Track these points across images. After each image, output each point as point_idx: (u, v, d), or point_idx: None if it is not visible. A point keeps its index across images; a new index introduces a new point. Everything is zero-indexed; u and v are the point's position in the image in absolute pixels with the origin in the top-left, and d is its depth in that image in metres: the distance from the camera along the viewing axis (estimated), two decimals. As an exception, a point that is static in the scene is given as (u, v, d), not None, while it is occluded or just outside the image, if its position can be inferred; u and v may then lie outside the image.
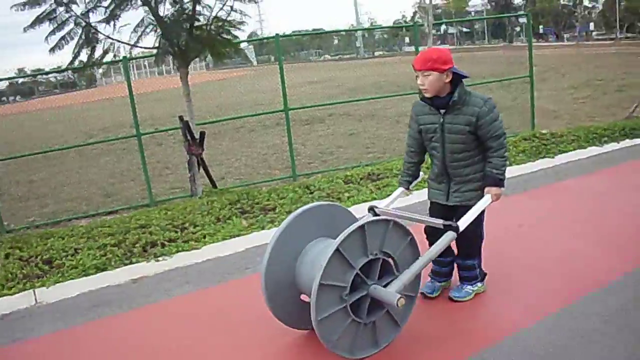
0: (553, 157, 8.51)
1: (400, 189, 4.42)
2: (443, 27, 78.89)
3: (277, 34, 10.40)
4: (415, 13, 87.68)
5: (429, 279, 4.44)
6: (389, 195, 5.28)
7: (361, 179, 7.80)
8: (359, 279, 3.54)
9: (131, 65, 19.70)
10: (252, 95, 22.49)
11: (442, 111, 3.98)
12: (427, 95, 3.94)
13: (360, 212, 6.33)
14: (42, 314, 4.85)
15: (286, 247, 3.77)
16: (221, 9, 7.96)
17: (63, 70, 11.68)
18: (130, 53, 8.21)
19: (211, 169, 12.42)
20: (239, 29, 8.36)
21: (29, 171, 14.78)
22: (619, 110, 13.40)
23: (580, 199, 6.50)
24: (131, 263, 5.72)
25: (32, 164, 15.57)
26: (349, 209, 6.42)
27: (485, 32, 70.31)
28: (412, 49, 11.19)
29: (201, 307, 4.65)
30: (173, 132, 16.44)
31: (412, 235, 3.77)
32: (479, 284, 4.34)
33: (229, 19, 8.10)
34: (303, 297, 3.89)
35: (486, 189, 3.98)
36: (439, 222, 3.86)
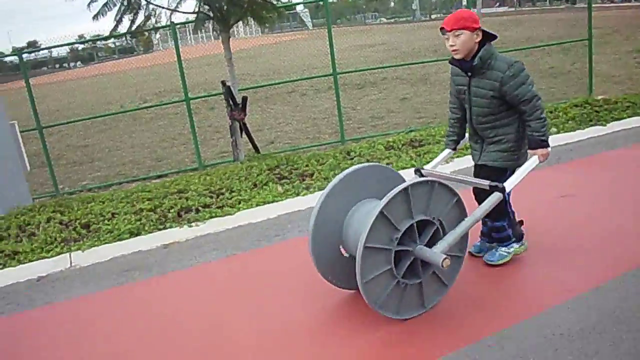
0: (604, 125, 8.04)
1: (447, 150, 4.39)
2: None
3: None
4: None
5: (479, 239, 4.44)
6: (429, 162, 5.26)
7: (403, 145, 7.61)
8: (404, 240, 3.54)
9: (187, 30, 19.86)
10: (306, 60, 22.35)
11: (469, 74, 3.92)
12: (457, 56, 3.85)
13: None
14: (74, 278, 4.92)
15: (333, 207, 3.78)
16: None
17: (107, 37, 11.75)
18: (171, 18, 8.16)
19: (262, 133, 12.52)
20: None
21: (85, 136, 15.12)
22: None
23: (631, 170, 6.15)
24: (165, 228, 5.75)
25: (87, 129, 15.94)
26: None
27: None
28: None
29: (226, 274, 4.64)
30: (207, 100, 16.58)
31: (459, 197, 3.74)
32: (515, 245, 4.28)
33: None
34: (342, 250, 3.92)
35: (532, 152, 3.91)
36: (485, 182, 3.84)
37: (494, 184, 3.77)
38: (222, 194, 6.47)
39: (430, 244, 3.59)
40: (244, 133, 8.49)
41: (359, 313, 3.74)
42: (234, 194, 6.42)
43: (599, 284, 3.80)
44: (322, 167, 6.95)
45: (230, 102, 8.18)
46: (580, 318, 3.43)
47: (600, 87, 13.35)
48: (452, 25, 3.75)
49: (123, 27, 7.90)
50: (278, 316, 3.87)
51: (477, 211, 3.74)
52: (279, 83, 13.09)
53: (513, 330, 3.39)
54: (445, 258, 3.37)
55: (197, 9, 7.94)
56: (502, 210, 4.12)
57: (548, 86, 13.36)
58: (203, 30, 8.87)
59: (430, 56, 18.67)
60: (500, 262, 4.22)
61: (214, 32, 8.60)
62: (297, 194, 6.21)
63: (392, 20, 48.21)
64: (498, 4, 72.47)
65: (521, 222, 4.33)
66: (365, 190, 3.88)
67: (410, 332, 3.51)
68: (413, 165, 6.60)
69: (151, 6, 7.78)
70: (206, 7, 7.88)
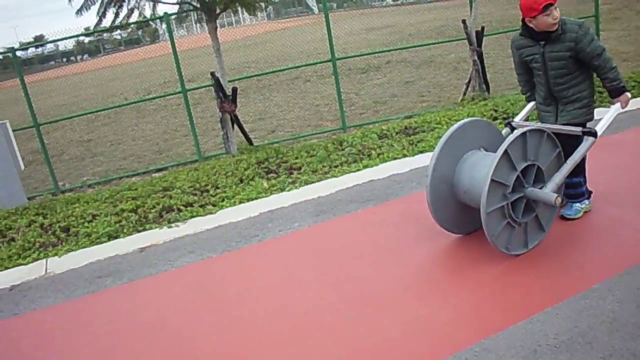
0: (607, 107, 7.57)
1: (531, 104, 4.66)
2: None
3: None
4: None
5: None
6: (421, 152, 5.76)
7: (397, 133, 7.24)
8: (518, 181, 3.87)
9: (192, 18, 19.57)
10: (311, 45, 21.98)
11: (542, 42, 4.18)
12: (555, 28, 4.08)
13: (388, 170, 5.95)
14: (47, 286, 4.66)
15: (448, 155, 4.11)
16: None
17: (91, 33, 11.48)
18: (154, 10, 7.84)
19: (263, 122, 12.23)
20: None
21: (88, 130, 14.90)
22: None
23: (625, 156, 5.74)
24: (144, 230, 5.47)
25: (92, 122, 15.73)
26: (377, 167, 6.07)
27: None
28: None
29: (197, 279, 4.35)
30: (209, 89, 16.28)
31: (560, 150, 4.09)
32: (587, 202, 4.53)
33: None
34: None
35: (615, 100, 4.18)
36: (577, 129, 4.14)
37: (587, 129, 4.09)
38: (207, 190, 6.18)
39: (537, 187, 3.94)
40: (235, 125, 8.19)
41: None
42: (218, 190, 6.13)
43: (592, 284, 3.48)
44: (311, 159, 6.62)
45: (220, 94, 7.87)
46: (569, 325, 3.10)
47: (610, 64, 12.90)
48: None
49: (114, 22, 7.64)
50: (240, 325, 3.59)
51: (575, 154, 4.05)
52: (271, 72, 12.73)
53: (494, 340, 3.07)
54: (557, 197, 3.77)
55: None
56: (583, 166, 4.42)
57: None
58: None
59: (437, 38, 18.23)
60: (577, 216, 4.46)
61: (198, 23, 8.23)
62: (282, 190, 5.89)
63: (399, 2, 47.44)
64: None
65: None
66: (470, 143, 4.21)
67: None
68: (405, 156, 6.29)
69: (133, -1, 7.48)
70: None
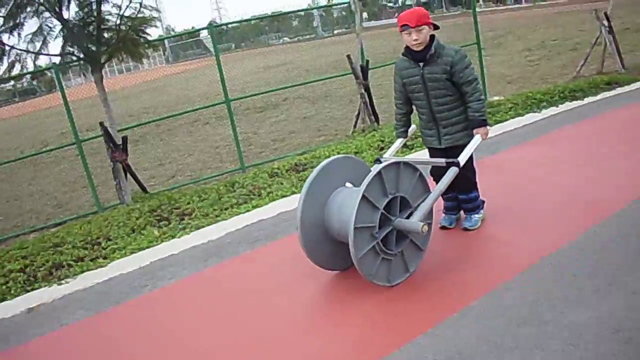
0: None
1: (400, 139, 4.91)
2: (401, -1, 77.92)
3: (210, 24, 10.00)
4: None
5: (443, 215, 4.94)
6: None
7: (287, 170, 7.37)
8: (383, 217, 3.97)
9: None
10: (211, 86, 21.96)
11: (421, 64, 4.40)
12: (419, 48, 4.33)
13: (276, 209, 6.05)
14: None
15: (314, 199, 4.17)
16: (127, 7, 7.50)
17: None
18: (34, 62, 7.68)
19: (163, 168, 12.08)
20: (152, 25, 7.91)
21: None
22: (572, 69, 12.96)
23: (504, 175, 6.11)
24: (33, 289, 5.29)
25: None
26: (266, 206, 6.15)
27: (443, 0, 69.14)
28: (371, 24, 10.71)
29: (85, 337, 4.26)
30: (128, 131, 16.02)
31: (420, 171, 4.21)
32: (482, 211, 4.88)
33: (138, 16, 7.65)
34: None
35: (474, 131, 4.41)
36: (441, 160, 4.37)
37: (450, 160, 4.27)
38: (99, 243, 6.06)
39: (403, 215, 4.07)
40: (129, 174, 8.10)
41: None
42: (110, 242, 6.03)
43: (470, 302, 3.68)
44: (203, 203, 6.63)
45: (110, 143, 7.78)
46: (448, 345, 3.25)
47: (495, 87, 13.57)
48: (416, 21, 4.23)
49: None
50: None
51: (440, 184, 4.22)
52: (168, 117, 12.63)
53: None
54: (424, 225, 3.88)
55: (63, 51, 7.50)
56: (474, 183, 4.74)
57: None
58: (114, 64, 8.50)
59: (332, 72, 18.62)
60: (477, 226, 4.79)
61: (82, 74, 8.16)
62: (173, 236, 5.86)
63: (295, 40, 48.21)
64: (397, 13, 73.67)
65: None
66: (339, 179, 4.30)
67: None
68: (294, 192, 6.40)
69: (14, 51, 7.31)
70: (72, 48, 7.48)
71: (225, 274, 4.83)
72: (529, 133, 7.56)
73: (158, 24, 8.11)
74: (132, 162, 12.99)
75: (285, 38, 52.57)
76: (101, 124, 7.88)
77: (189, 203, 6.75)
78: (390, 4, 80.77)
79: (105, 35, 7.57)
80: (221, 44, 54.68)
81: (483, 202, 4.91)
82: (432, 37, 4.37)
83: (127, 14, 7.64)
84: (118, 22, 7.53)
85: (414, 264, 4.21)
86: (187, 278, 4.85)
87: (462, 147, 4.42)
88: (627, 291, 3.44)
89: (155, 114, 18.47)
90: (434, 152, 4.78)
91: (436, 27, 4.39)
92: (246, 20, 14.57)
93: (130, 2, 7.45)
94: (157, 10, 7.84)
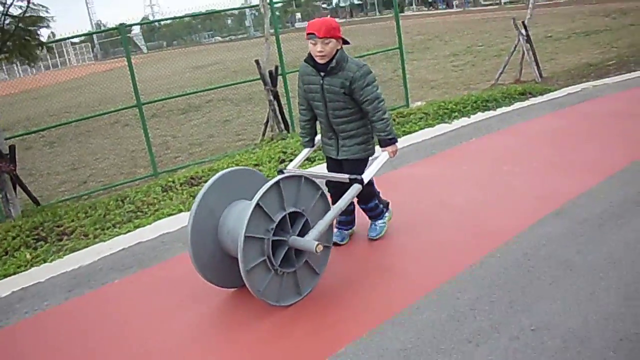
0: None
1: (306, 150, 4.68)
2: (335, 0, 78.08)
3: (121, 24, 9.47)
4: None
5: (336, 229, 4.62)
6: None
7: (181, 184, 6.89)
8: (278, 231, 3.73)
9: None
10: (146, 84, 21.19)
11: (322, 74, 4.15)
12: (323, 60, 4.08)
13: (159, 229, 5.62)
14: None
15: (206, 212, 3.85)
16: (11, 4, 6.93)
17: None
18: None
19: (76, 172, 11.43)
20: (43, 25, 7.36)
21: None
22: (494, 76, 12.90)
23: (400, 193, 5.78)
24: None
25: None
26: (149, 225, 5.70)
27: (376, 3, 69.43)
28: (304, 25, 10.30)
29: None
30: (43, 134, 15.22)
31: (322, 190, 4.02)
32: (387, 214, 4.74)
33: (27, 15, 7.09)
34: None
35: (382, 149, 4.24)
36: (345, 176, 4.16)
37: (353, 177, 4.08)
38: (-36, 267, 5.49)
39: (301, 234, 3.81)
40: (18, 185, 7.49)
41: None
42: (-24, 267, 5.46)
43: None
44: (87, 221, 6.09)
45: (-5, 153, 7.18)
46: None
47: (419, 93, 13.40)
48: (324, 33, 3.96)
49: None
50: None
51: (340, 202, 4.01)
52: (85, 118, 11.92)
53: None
54: (318, 244, 3.61)
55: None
56: (373, 193, 4.58)
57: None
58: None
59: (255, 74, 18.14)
60: (382, 233, 4.66)
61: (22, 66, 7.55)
62: (45, 260, 5.30)
63: (227, 39, 47.47)
64: (329, 15, 73.91)
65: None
66: (234, 192, 4.00)
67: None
68: (181, 210, 5.97)
69: None
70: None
71: (89, 307, 4.33)
72: (435, 146, 7.30)
73: (59, 21, 7.52)
74: (46, 166, 12.40)
75: (217, 37, 51.72)
76: (-16, 132, 7.25)
77: (72, 220, 6.20)
78: (324, 5, 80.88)
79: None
80: (153, 42, 53.83)
81: (387, 203, 4.82)
82: (338, 50, 4.13)
83: (14, 13, 7.09)
84: (3, 21, 6.95)
85: (307, 288, 3.96)
86: (45, 312, 4.31)
87: (359, 161, 4.31)
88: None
89: (76, 114, 17.65)
90: (331, 163, 4.57)
91: (345, 42, 4.18)
92: (173, 18, 13.95)
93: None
94: (47, 10, 7.26)
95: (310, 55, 4.17)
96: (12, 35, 7.02)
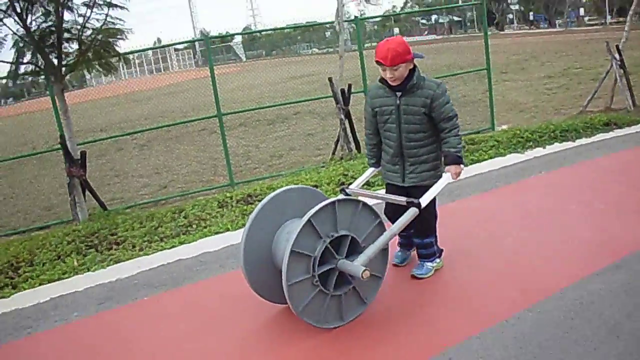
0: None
1: (371, 170, 4.52)
2: (434, 17, 76.80)
3: (206, 36, 9.67)
4: (405, 3, 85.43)
5: (398, 248, 4.58)
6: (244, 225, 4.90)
7: (238, 201, 6.81)
8: (328, 252, 3.62)
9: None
10: (234, 93, 21.57)
11: (399, 94, 4.04)
12: (394, 84, 4.00)
13: (201, 247, 5.53)
14: None
15: (262, 228, 3.82)
16: (89, 17, 7.10)
17: None
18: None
19: (159, 176, 11.70)
20: (120, 38, 7.50)
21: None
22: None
23: (457, 224, 5.44)
24: None
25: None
26: (194, 243, 5.63)
27: (475, 20, 67.75)
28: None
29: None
30: (117, 140, 15.58)
31: (381, 219, 3.89)
32: (437, 260, 4.42)
33: (104, 28, 7.25)
34: None
35: (446, 168, 4.02)
36: (402, 199, 3.99)
37: (410, 200, 3.90)
38: (18, 269, 5.60)
39: (352, 259, 3.63)
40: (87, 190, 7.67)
41: None
42: (29, 268, 5.54)
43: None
44: (138, 232, 6.11)
45: (67, 158, 7.37)
46: None
47: (505, 116, 12.83)
48: (390, 62, 3.86)
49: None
50: None
51: (394, 226, 3.85)
52: (159, 127, 12.19)
53: None
54: (365, 270, 3.45)
55: (16, 59, 7.11)
56: (432, 227, 4.32)
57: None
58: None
59: (354, 87, 17.98)
60: (427, 275, 4.33)
61: (34, 86, 7.80)
62: (89, 269, 5.33)
63: (325, 51, 47.73)
64: (427, 32, 72.84)
65: None
66: (291, 211, 3.93)
67: None
68: (228, 229, 5.87)
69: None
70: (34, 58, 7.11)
71: (114, 322, 4.30)
72: (501, 178, 6.81)
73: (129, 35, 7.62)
74: (131, 169, 12.75)
75: (314, 49, 52.12)
76: (62, 137, 7.46)
77: (127, 230, 6.24)
78: (424, 21, 79.85)
79: (69, 46, 7.18)
80: (252, 51, 54.94)
81: (441, 250, 4.48)
82: (413, 68, 4.02)
83: (95, 25, 7.26)
84: (81, 33, 7.13)
85: (351, 314, 3.80)
86: (72, 323, 4.32)
87: (425, 188, 4.04)
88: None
89: (170, 119, 18.14)
90: (393, 190, 4.34)
91: (418, 56, 4.03)
92: (240, 33, 14.18)
93: (92, 11, 7.04)
94: (122, 21, 7.40)
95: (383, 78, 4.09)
96: (90, 46, 7.17)
